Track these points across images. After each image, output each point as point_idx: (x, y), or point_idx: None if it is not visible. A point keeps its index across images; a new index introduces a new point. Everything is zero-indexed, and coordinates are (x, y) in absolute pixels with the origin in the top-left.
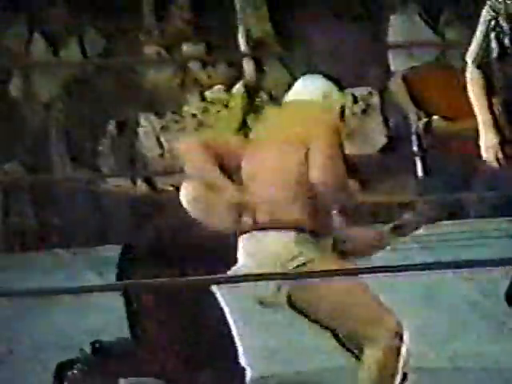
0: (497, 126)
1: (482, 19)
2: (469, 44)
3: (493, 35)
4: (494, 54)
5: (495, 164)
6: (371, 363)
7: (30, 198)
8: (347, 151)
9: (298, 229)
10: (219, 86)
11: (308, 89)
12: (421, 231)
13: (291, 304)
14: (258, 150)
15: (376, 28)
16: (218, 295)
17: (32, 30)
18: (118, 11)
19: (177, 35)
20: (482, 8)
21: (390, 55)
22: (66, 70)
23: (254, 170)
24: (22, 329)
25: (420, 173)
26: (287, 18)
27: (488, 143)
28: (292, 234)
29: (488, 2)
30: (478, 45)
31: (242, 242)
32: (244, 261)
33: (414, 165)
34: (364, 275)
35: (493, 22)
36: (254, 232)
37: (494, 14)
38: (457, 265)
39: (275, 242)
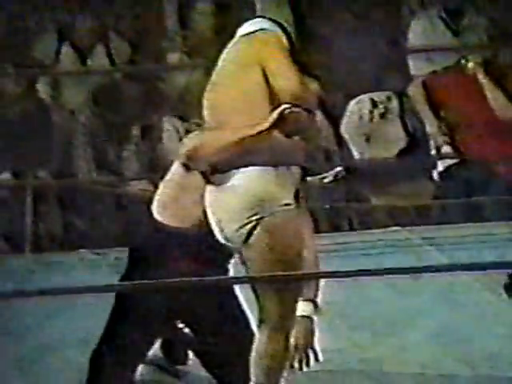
0: None
1: None
2: (488, 48)
3: None
4: None
5: None
6: None
7: (56, 201)
8: (366, 155)
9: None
10: None
11: (251, 26)
12: (437, 233)
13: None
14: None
15: (396, 32)
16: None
17: (61, 40)
18: (141, 18)
19: (200, 41)
20: (504, 11)
21: (410, 59)
22: (93, 78)
23: (216, 103)
24: (51, 327)
25: (437, 177)
26: (309, 22)
27: None
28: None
29: None
30: None
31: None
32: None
33: (432, 169)
34: (375, 277)
35: None
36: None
37: None
38: (472, 267)
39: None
